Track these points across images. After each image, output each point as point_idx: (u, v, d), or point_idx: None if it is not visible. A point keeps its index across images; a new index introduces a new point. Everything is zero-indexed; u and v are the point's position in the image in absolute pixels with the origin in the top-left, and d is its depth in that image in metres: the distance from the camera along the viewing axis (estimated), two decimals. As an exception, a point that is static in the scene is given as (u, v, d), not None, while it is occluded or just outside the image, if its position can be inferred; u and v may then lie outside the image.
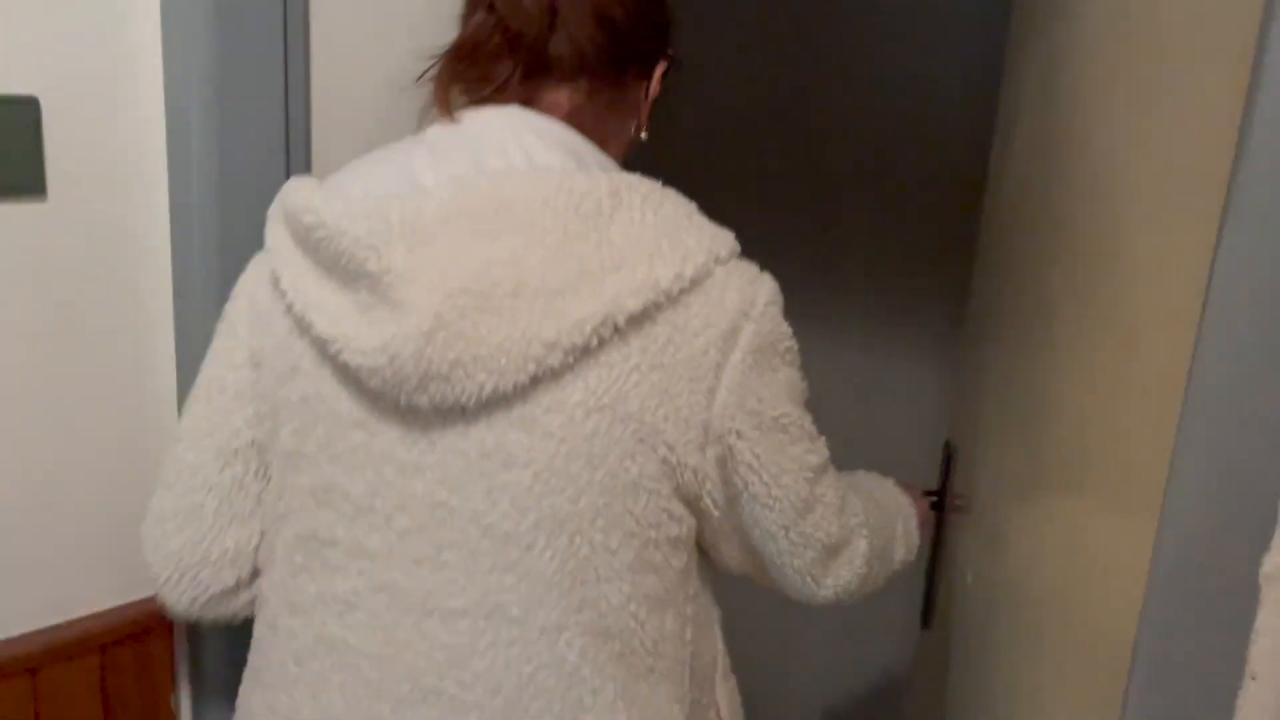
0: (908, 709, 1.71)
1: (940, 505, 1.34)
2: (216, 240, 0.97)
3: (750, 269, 0.82)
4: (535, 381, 0.75)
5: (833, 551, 0.92)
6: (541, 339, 0.73)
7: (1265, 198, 0.58)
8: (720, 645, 0.95)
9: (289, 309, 0.81)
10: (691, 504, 0.83)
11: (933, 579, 1.41)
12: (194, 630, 1.07)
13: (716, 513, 0.85)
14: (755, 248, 0.84)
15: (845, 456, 0.96)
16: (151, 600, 1.04)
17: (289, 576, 0.84)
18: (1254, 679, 0.62)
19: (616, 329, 0.75)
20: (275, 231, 0.83)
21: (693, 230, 0.79)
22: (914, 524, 1.08)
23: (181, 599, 0.90)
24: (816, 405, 0.89)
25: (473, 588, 0.78)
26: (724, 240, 0.81)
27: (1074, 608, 0.87)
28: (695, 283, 0.77)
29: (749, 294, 0.80)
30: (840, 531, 0.91)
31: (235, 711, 0.92)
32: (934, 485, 1.34)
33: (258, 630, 0.89)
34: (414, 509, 0.78)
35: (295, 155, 1.02)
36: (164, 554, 0.89)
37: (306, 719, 0.84)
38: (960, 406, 1.44)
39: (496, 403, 0.75)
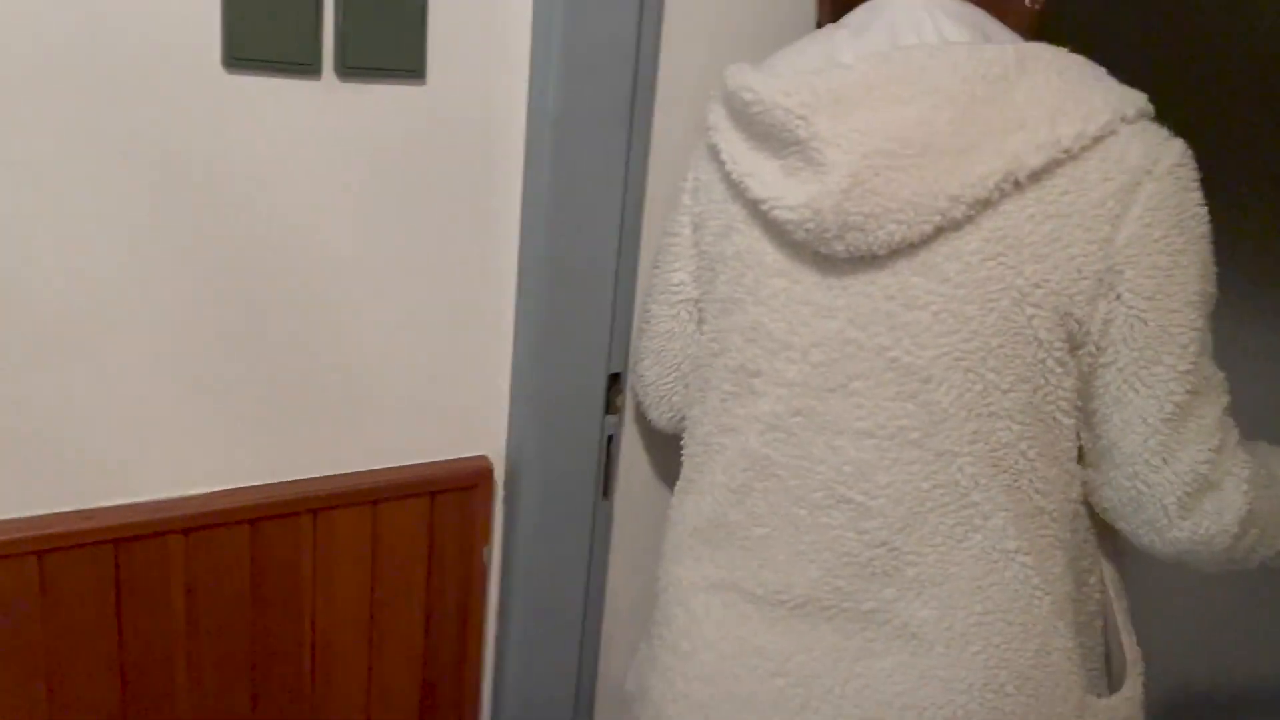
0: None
1: None
2: (561, 140, 1.03)
3: (1160, 131, 0.83)
4: (938, 231, 0.82)
5: (1199, 488, 0.85)
6: (946, 193, 0.80)
7: None
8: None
9: (726, 177, 0.93)
10: (1078, 357, 0.86)
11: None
12: (511, 494, 1.17)
13: (1075, 380, 0.86)
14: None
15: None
16: (477, 459, 1.15)
17: (720, 402, 0.97)
18: None
19: (1017, 184, 0.80)
20: (715, 111, 0.95)
21: (1100, 90, 0.82)
22: None
23: (660, 418, 1.13)
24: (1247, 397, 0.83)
25: (879, 413, 0.87)
26: (1133, 100, 0.82)
27: None
28: (1097, 140, 0.80)
29: (1154, 153, 0.81)
30: (1213, 469, 0.85)
31: (670, 514, 1.06)
32: None
33: (690, 449, 1.03)
34: (828, 345, 0.88)
35: (645, 49, 1.05)
36: (644, 385, 1.13)
37: (733, 519, 0.97)
38: None
39: (902, 251, 0.84)
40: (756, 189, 0.88)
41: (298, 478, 1.06)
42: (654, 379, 1.10)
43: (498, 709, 1.25)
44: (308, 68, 0.94)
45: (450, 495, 1.13)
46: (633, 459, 1.24)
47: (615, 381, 1.18)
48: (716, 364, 0.97)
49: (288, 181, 0.97)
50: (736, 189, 0.92)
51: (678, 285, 1.04)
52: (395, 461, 1.11)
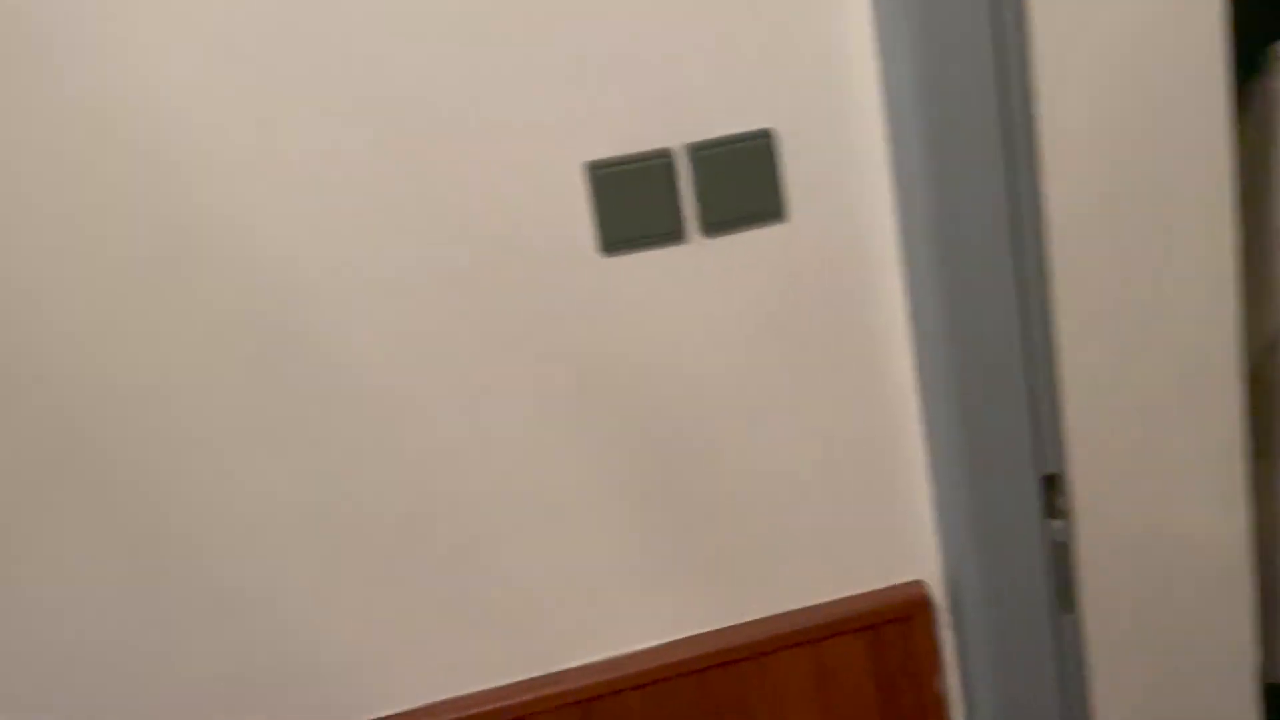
0: None
1: None
2: (941, 256, 1.00)
3: None
4: None
5: None
6: None
7: None
8: None
9: None
10: None
11: None
12: (958, 619, 1.09)
13: None
14: None
15: None
16: (912, 585, 1.10)
17: None
18: None
19: None
20: None
21: None
22: None
23: None
24: None
25: None
26: None
27: None
28: None
29: None
30: None
31: None
32: None
33: None
34: None
35: (1018, 175, 0.99)
36: None
37: None
38: None
39: None
40: None
41: (733, 623, 1.08)
42: None
43: None
44: (674, 234, 0.99)
45: (890, 626, 1.08)
46: (1095, 565, 1.11)
47: (1053, 483, 1.08)
48: None
49: (672, 342, 1.02)
50: None
51: None
52: (823, 597, 1.09)
